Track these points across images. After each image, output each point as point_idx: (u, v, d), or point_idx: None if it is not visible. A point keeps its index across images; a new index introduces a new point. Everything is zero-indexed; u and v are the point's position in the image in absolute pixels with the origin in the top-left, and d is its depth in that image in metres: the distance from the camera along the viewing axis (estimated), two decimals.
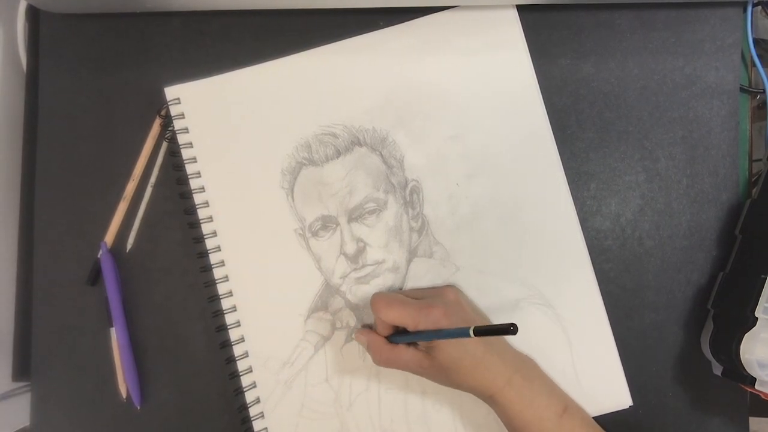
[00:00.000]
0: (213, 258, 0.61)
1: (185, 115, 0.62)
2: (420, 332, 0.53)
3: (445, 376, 0.54)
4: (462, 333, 0.50)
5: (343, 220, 0.60)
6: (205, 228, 0.61)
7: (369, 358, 0.59)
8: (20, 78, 0.66)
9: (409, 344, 0.55)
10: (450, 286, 0.59)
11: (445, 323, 0.52)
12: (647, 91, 0.62)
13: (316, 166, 0.61)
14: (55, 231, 0.63)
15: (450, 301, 0.55)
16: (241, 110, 0.62)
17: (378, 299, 0.55)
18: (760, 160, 0.65)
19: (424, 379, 0.56)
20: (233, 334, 0.60)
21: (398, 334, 0.56)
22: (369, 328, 0.60)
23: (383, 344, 0.56)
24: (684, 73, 0.62)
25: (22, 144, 0.65)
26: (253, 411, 0.60)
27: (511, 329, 0.44)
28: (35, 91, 0.64)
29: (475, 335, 0.47)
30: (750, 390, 0.57)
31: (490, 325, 0.47)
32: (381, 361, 0.56)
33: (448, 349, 0.52)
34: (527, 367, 0.56)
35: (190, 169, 0.62)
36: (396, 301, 0.54)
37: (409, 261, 0.61)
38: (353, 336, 0.61)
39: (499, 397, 0.53)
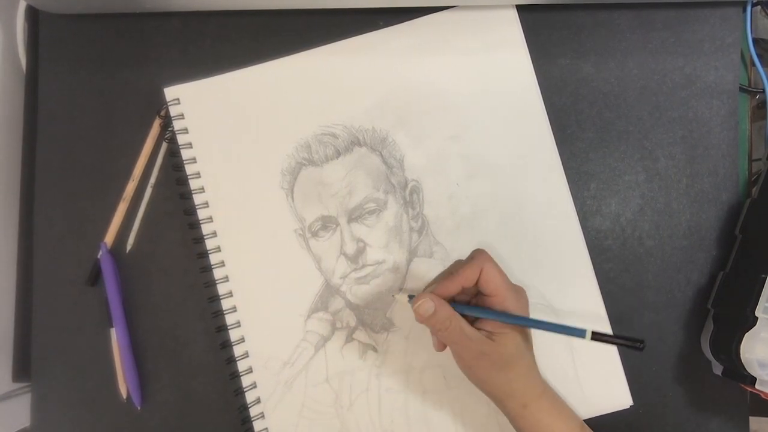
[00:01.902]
0: (213, 258, 0.61)
1: (185, 116, 0.62)
2: (508, 314, 0.51)
3: (496, 368, 0.51)
4: (578, 332, 0.46)
5: (343, 221, 0.60)
6: (205, 228, 0.61)
7: (369, 358, 0.60)
8: (20, 78, 0.66)
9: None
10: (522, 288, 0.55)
11: (526, 314, 0.51)
12: (647, 91, 0.62)
13: (316, 166, 0.61)
14: (55, 231, 0.63)
15: (527, 300, 0.54)
16: (241, 110, 0.62)
17: (486, 253, 0.52)
18: (759, 159, 0.65)
19: (424, 379, 0.56)
20: (233, 335, 0.60)
21: (464, 307, 0.53)
22: (425, 292, 0.54)
23: (453, 312, 0.51)
24: (684, 73, 0.62)
25: (22, 144, 0.65)
26: (253, 411, 0.60)
27: (639, 345, 0.42)
28: (35, 92, 0.64)
29: (592, 339, 0.45)
30: (750, 389, 0.57)
31: (610, 334, 0.45)
32: (446, 331, 0.51)
33: (515, 342, 0.51)
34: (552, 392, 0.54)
35: (189, 169, 0.62)
36: (498, 266, 0.52)
37: (409, 261, 0.61)
38: (408, 301, 0.54)
39: (535, 406, 0.51)
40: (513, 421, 0.52)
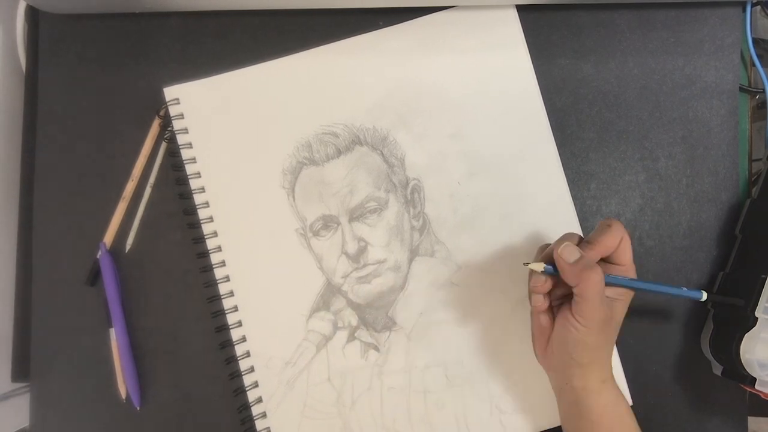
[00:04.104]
0: (214, 258, 0.61)
1: (185, 116, 0.62)
2: (639, 281, 0.52)
3: (598, 335, 0.50)
4: (694, 293, 0.51)
5: (344, 220, 0.60)
6: (206, 228, 0.61)
7: (371, 357, 0.60)
8: (20, 78, 0.66)
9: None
10: None
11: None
12: (647, 91, 0.62)
13: (317, 165, 0.61)
14: (55, 231, 0.62)
15: None
16: (241, 110, 0.62)
17: (621, 224, 0.52)
18: (759, 159, 0.65)
19: (426, 378, 0.56)
20: (235, 334, 0.60)
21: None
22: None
23: (595, 263, 0.50)
24: (684, 73, 0.63)
25: (22, 144, 0.65)
26: (254, 411, 0.60)
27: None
28: (35, 92, 0.64)
29: (708, 299, 0.50)
30: (750, 390, 0.57)
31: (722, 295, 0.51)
32: (587, 276, 0.49)
33: (623, 313, 0.52)
34: None
35: (189, 169, 0.61)
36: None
37: (410, 260, 0.61)
38: (542, 269, 0.52)
39: (611, 384, 0.52)
40: (586, 396, 0.52)
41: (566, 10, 0.63)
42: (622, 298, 0.52)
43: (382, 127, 0.61)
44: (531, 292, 0.53)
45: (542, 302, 0.53)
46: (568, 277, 0.50)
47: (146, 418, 0.61)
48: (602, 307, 0.50)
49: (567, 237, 0.53)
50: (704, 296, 0.51)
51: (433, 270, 0.60)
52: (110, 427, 0.61)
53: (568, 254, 0.50)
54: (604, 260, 0.52)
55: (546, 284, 0.52)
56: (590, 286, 0.49)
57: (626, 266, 0.52)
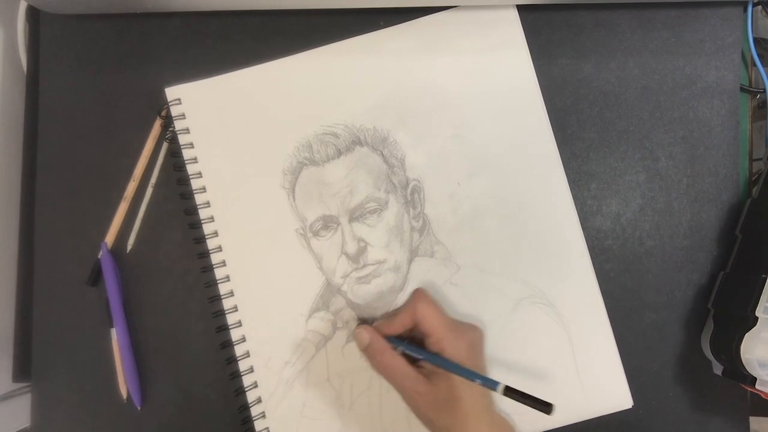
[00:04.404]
0: (214, 258, 0.61)
1: (186, 116, 0.62)
2: (438, 356, 0.51)
3: (432, 409, 0.51)
4: (490, 383, 0.47)
5: (344, 220, 0.60)
6: (206, 228, 0.61)
7: None
8: (20, 78, 0.66)
9: (409, 360, 0.53)
10: (478, 326, 0.56)
11: (464, 359, 0.50)
12: (647, 91, 0.62)
13: (317, 165, 0.61)
14: (55, 231, 0.63)
15: (476, 341, 0.54)
16: (242, 110, 0.62)
17: (423, 293, 0.54)
18: (760, 159, 0.65)
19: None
20: (234, 334, 0.60)
21: (405, 343, 0.54)
22: (367, 325, 0.57)
23: (387, 347, 0.54)
24: (684, 73, 0.63)
25: (23, 144, 0.65)
26: (254, 411, 0.60)
27: (548, 408, 0.42)
28: (35, 92, 0.64)
29: (503, 394, 0.45)
30: (750, 389, 0.57)
31: (524, 392, 0.45)
32: (378, 364, 0.53)
33: (454, 384, 0.50)
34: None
35: (190, 169, 0.61)
36: (437, 305, 0.53)
37: (410, 260, 0.61)
38: (353, 332, 0.58)
39: (485, 419, 0.51)
40: None
41: (566, 10, 0.63)
42: (438, 371, 0.51)
43: (382, 127, 0.61)
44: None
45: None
46: (369, 361, 0.53)
47: (147, 418, 0.61)
48: (405, 387, 0.51)
49: (375, 325, 0.56)
50: (500, 389, 0.48)
51: (433, 270, 0.60)
52: (111, 427, 0.61)
53: (359, 341, 0.55)
54: (421, 330, 0.53)
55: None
56: (381, 370, 0.53)
57: (431, 336, 0.52)
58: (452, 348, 0.51)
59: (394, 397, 0.59)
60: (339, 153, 0.61)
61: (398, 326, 0.54)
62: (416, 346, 0.53)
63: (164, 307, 0.62)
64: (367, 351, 0.55)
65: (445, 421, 0.50)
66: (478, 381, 0.49)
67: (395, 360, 0.52)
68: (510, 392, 0.45)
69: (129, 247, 0.62)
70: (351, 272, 0.60)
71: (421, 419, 0.53)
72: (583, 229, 0.61)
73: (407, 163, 0.61)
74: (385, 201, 0.61)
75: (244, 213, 0.61)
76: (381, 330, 0.56)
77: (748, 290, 0.56)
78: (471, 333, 0.54)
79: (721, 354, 0.58)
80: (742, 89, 0.63)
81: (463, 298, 0.60)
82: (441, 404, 0.50)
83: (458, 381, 0.50)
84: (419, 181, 0.61)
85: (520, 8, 0.62)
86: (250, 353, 0.60)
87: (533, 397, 0.44)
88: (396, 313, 0.55)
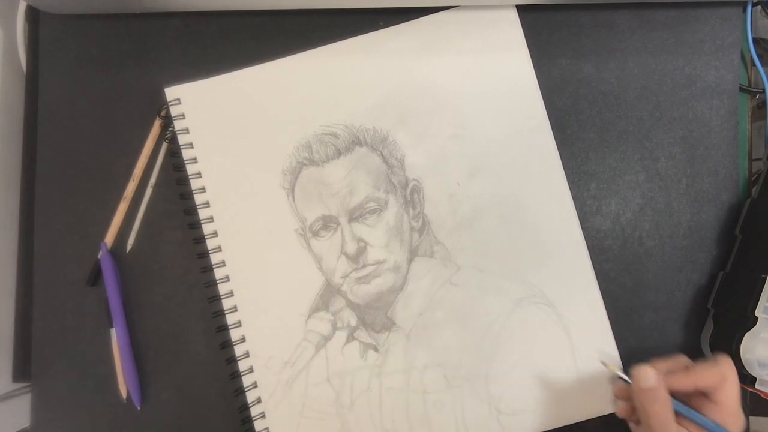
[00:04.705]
0: (214, 258, 0.61)
1: (185, 116, 0.62)
2: (715, 424, 0.48)
3: None
4: None
5: (343, 220, 0.60)
6: (206, 228, 0.61)
7: (370, 358, 0.60)
8: (20, 79, 0.66)
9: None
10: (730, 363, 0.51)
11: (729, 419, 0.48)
12: (647, 91, 0.62)
13: (316, 166, 0.61)
14: (55, 231, 0.63)
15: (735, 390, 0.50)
16: (242, 110, 0.62)
17: (731, 363, 0.50)
18: (759, 159, 0.65)
19: (425, 378, 0.56)
20: (234, 335, 0.60)
21: (681, 403, 0.50)
22: (652, 367, 0.52)
23: (668, 399, 0.49)
24: (684, 73, 0.63)
25: (22, 144, 0.65)
26: (254, 411, 0.60)
27: None
28: (35, 92, 0.64)
29: None
30: (750, 389, 0.57)
31: None
32: (654, 413, 0.48)
33: None
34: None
35: (190, 169, 0.62)
36: (739, 386, 0.50)
37: (410, 260, 0.61)
38: (639, 368, 0.52)
39: None
40: None
41: (566, 10, 0.63)
42: None
43: (382, 127, 0.61)
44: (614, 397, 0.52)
45: (622, 408, 0.53)
46: (634, 398, 0.50)
47: (147, 418, 0.61)
48: None
49: (672, 361, 0.52)
50: None
51: (433, 270, 0.61)
52: (111, 427, 0.61)
53: (642, 378, 0.50)
54: (705, 395, 0.51)
55: (623, 391, 0.52)
56: (654, 418, 0.48)
57: (721, 407, 0.49)
58: (734, 428, 0.48)
59: (394, 397, 0.60)
60: (339, 153, 0.61)
61: (692, 384, 0.50)
62: (693, 411, 0.50)
63: (164, 307, 0.62)
64: (645, 393, 0.50)
65: None
66: None
67: (670, 414, 0.49)
68: None
69: (129, 247, 0.62)
70: (351, 272, 0.60)
71: None
72: (583, 229, 0.61)
73: (407, 163, 0.61)
74: (385, 201, 0.61)
75: (243, 213, 0.61)
76: (668, 381, 0.51)
77: (747, 290, 0.56)
78: (742, 423, 0.51)
79: (721, 354, 0.57)
80: (741, 89, 0.63)
81: (462, 298, 0.60)
82: None
83: None
84: (419, 181, 0.61)
85: (520, 8, 0.62)
86: (250, 353, 0.60)
87: None
88: (692, 368, 0.51)
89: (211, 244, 0.61)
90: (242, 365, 0.60)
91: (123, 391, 0.61)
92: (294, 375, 0.60)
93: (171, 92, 0.62)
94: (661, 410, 0.48)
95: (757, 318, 0.55)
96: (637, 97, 0.62)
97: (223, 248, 0.61)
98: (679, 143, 0.62)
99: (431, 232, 0.61)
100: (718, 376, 0.50)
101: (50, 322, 0.62)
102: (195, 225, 0.61)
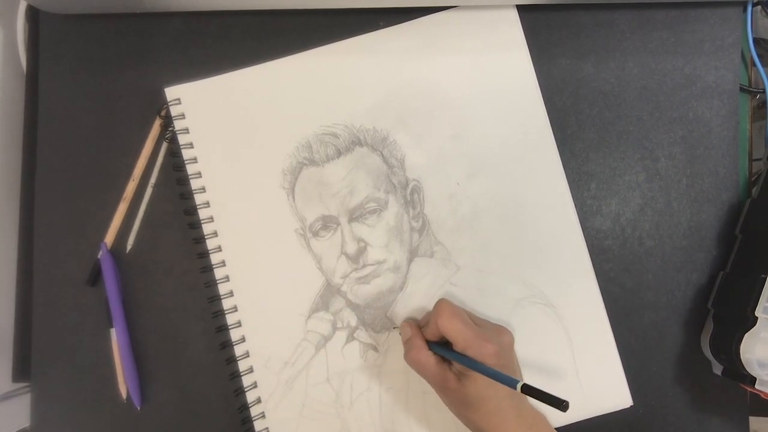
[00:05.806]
0: (214, 258, 0.61)
1: (186, 116, 0.62)
2: (465, 356, 0.52)
3: (462, 406, 0.53)
4: (509, 381, 0.48)
5: (343, 220, 0.60)
6: (206, 228, 0.61)
7: (370, 357, 0.60)
8: (20, 78, 0.66)
9: (443, 359, 0.54)
10: (508, 330, 0.56)
11: (492, 362, 0.51)
12: (647, 91, 0.62)
13: (316, 166, 0.61)
14: (55, 231, 0.63)
15: (504, 344, 0.54)
16: (242, 110, 0.62)
17: (444, 306, 0.54)
18: (760, 159, 0.65)
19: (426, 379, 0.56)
20: (234, 335, 0.60)
21: (439, 345, 0.55)
22: (413, 322, 0.59)
23: (422, 345, 0.55)
24: (684, 73, 0.63)
25: (22, 144, 0.65)
26: (254, 411, 0.60)
27: (562, 405, 0.43)
28: (35, 92, 0.64)
29: (521, 391, 0.46)
30: (750, 389, 0.57)
31: (540, 389, 0.46)
32: (412, 359, 0.54)
33: (480, 385, 0.51)
34: (539, 427, 0.54)
35: (190, 169, 0.62)
36: (459, 316, 0.53)
37: (409, 261, 0.61)
38: (395, 326, 0.60)
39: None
40: None
41: (566, 10, 0.63)
42: (468, 373, 0.52)
43: (382, 127, 0.61)
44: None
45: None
46: (405, 354, 0.56)
47: (146, 418, 0.61)
48: (435, 384, 0.54)
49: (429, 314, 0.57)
50: (518, 387, 0.48)
51: (433, 271, 0.61)
52: (111, 427, 0.61)
53: (402, 332, 0.58)
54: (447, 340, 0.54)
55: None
56: (414, 366, 0.55)
57: (456, 344, 0.52)
58: (479, 355, 0.51)
59: (394, 397, 0.60)
60: (339, 153, 0.61)
61: (430, 335, 0.55)
62: (446, 348, 0.54)
63: (164, 307, 0.62)
64: (406, 344, 0.56)
65: (474, 417, 0.52)
66: (490, 376, 0.50)
67: (428, 358, 0.54)
68: (528, 390, 0.46)
69: (128, 247, 0.62)
70: (350, 272, 0.60)
71: (455, 414, 0.55)
72: (583, 229, 0.61)
73: (407, 164, 0.61)
74: (385, 201, 0.61)
75: (243, 213, 0.61)
76: (420, 330, 0.57)
77: (747, 290, 0.56)
78: (498, 337, 0.54)
79: (720, 354, 0.57)
80: (741, 89, 0.63)
81: (462, 298, 0.60)
82: (470, 403, 0.52)
83: (484, 381, 0.51)
84: (419, 182, 0.61)
85: (520, 8, 0.62)
86: (250, 353, 0.60)
87: (549, 394, 0.45)
88: (426, 322, 0.56)
89: (211, 244, 0.61)
90: (242, 365, 0.60)
91: (123, 391, 0.61)
92: (294, 375, 0.60)
93: (171, 92, 0.62)
94: (416, 356, 0.54)
95: (757, 318, 0.54)
96: (636, 97, 0.62)
97: (223, 248, 0.61)
98: (679, 143, 0.62)
99: (431, 233, 0.61)
100: (434, 326, 0.54)
101: (50, 322, 0.62)
102: (195, 225, 0.61)
